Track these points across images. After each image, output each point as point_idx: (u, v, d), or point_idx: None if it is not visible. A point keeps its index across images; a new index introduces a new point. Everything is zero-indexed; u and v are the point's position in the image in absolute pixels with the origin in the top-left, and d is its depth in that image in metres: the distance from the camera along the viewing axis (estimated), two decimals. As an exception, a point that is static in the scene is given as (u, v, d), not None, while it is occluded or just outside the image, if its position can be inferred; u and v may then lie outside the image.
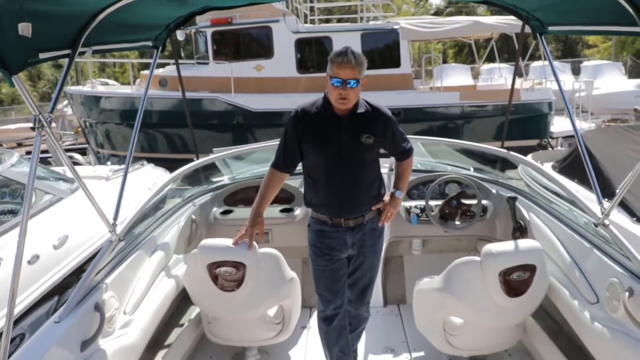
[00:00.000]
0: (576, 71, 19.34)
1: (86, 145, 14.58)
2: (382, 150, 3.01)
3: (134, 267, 3.10)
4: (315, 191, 2.97)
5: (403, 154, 3.07)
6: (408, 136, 3.13)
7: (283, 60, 12.47)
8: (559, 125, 12.87)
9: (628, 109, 14.83)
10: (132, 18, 2.69)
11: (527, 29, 3.33)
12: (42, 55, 2.15)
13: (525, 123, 11.79)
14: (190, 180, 4.89)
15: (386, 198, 3.06)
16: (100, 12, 2.31)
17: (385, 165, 4.21)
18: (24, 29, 1.87)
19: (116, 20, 2.47)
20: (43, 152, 10.21)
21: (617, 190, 2.65)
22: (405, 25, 12.56)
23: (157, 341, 3.41)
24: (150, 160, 8.19)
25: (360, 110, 2.85)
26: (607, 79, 16.87)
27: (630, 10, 2.13)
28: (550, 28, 3.09)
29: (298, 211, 4.36)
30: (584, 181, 4.53)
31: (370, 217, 3.00)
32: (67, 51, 2.34)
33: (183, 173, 4.02)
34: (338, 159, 2.84)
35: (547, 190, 4.51)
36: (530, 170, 5.59)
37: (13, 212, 4.55)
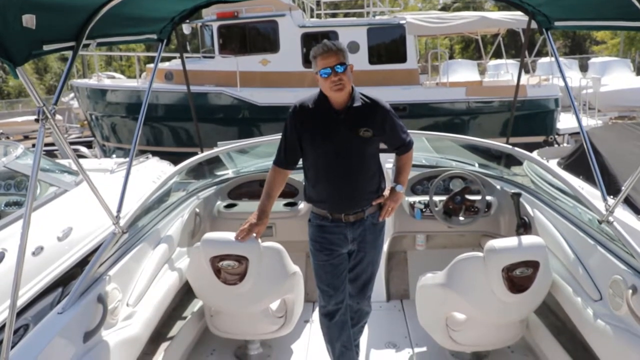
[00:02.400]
0: (584, 68, 19.25)
1: (92, 138, 14.64)
2: (383, 146, 3.00)
3: (138, 259, 3.11)
4: (315, 186, 2.97)
5: (403, 147, 3.05)
6: (413, 131, 3.11)
7: (289, 55, 12.46)
8: (566, 121, 12.81)
9: (636, 106, 14.74)
10: (137, 11, 2.69)
11: (534, 25, 3.31)
12: (46, 47, 2.15)
13: (531, 119, 11.73)
14: (194, 174, 4.90)
15: (386, 193, 3.05)
16: (104, 5, 2.31)
17: (390, 161, 4.21)
18: (28, 20, 1.87)
19: (120, 12, 2.47)
20: (49, 144, 10.26)
21: (622, 188, 2.64)
22: (412, 20, 12.51)
23: (159, 334, 3.43)
24: (155, 153, 8.21)
25: (357, 103, 2.84)
26: (615, 76, 16.77)
27: (637, 4, 2.11)
28: (557, 23, 3.07)
29: (302, 205, 4.37)
30: (589, 178, 4.51)
31: (371, 212, 2.99)
32: (72, 43, 2.34)
33: (187, 166, 4.02)
34: (336, 154, 2.83)
35: (552, 187, 4.49)
36: (535, 167, 5.57)
37: (18, 204, 4.58)
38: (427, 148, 5.57)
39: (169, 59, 13.72)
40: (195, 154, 4.13)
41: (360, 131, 2.82)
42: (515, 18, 12.17)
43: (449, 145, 5.93)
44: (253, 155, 5.56)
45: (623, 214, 4.09)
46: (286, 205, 4.40)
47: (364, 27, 12.50)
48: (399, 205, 3.16)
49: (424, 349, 3.63)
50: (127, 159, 3.19)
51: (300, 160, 3.02)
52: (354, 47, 12.18)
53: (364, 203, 2.96)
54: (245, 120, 12.35)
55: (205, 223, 4.29)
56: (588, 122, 12.08)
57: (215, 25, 12.70)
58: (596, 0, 2.52)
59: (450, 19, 12.99)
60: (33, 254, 4.01)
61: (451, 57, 27.69)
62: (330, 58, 2.70)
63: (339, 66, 2.70)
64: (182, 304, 3.92)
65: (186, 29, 12.49)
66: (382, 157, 3.06)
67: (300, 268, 3.38)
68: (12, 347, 2.04)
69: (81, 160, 2.89)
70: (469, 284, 2.95)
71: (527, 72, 14.03)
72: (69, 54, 2.37)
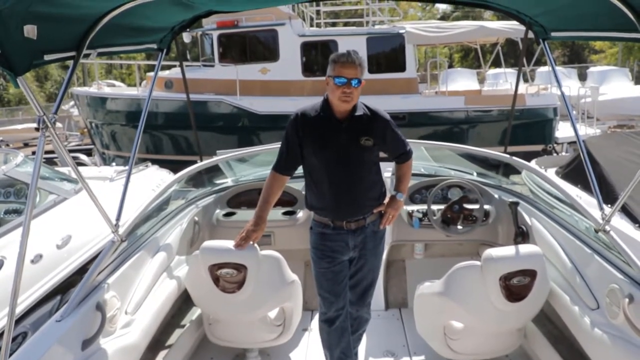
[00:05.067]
0: (582, 77, 19.34)
1: (92, 146, 14.65)
2: (383, 154, 3.03)
3: (136, 267, 3.12)
4: (316, 194, 2.99)
5: (403, 156, 3.09)
6: (412, 140, 3.15)
7: (288, 63, 12.49)
8: (564, 130, 12.84)
9: (634, 115, 14.80)
10: (137, 21, 2.71)
11: (531, 34, 3.34)
12: (47, 57, 2.17)
13: (530, 128, 11.76)
14: (193, 182, 4.91)
15: (387, 201, 3.08)
16: (105, 15, 2.33)
17: (388, 169, 4.22)
18: (30, 31, 1.89)
19: (121, 22, 2.49)
20: (49, 152, 10.27)
21: (619, 197, 2.65)
22: (411, 29, 12.57)
23: (158, 342, 3.43)
24: (155, 161, 8.22)
25: (359, 113, 2.88)
26: (614, 85, 16.85)
27: (632, 16, 2.14)
28: (553, 34, 3.10)
29: (301, 214, 4.37)
30: (587, 187, 4.52)
31: (372, 220, 3.02)
32: (72, 53, 2.36)
33: (186, 175, 4.04)
34: (338, 162, 2.86)
35: (550, 196, 4.51)
36: (534, 176, 5.60)
37: (18, 212, 4.58)
38: (425, 157, 5.59)
39: (169, 67, 13.76)
40: (195, 162, 4.14)
41: (362, 140, 2.86)
42: (514, 27, 12.23)
43: (447, 155, 5.94)
44: (252, 164, 5.57)
45: (620, 222, 4.10)
46: (285, 214, 4.41)
47: (364, 36, 12.54)
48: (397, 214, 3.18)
49: (422, 357, 3.63)
50: (127, 167, 3.20)
51: (301, 167, 3.04)
52: None
53: (365, 211, 2.99)
54: (244, 128, 12.36)
55: (204, 231, 4.30)
56: (587, 130, 12.11)
57: (215, 34, 12.74)
58: (592, 11, 2.54)
59: (450, 28, 13.06)
60: (32, 261, 4.01)
61: (450, 66, 27.78)
62: (350, 70, 2.74)
63: (355, 80, 2.74)
64: (180, 312, 3.92)
65: (186, 37, 12.53)
66: (381, 165, 3.08)
67: (298, 277, 3.38)
68: (10, 354, 2.05)
69: (81, 168, 2.91)
70: (466, 293, 2.96)
71: (526, 81, 14.07)
72: (70, 62, 2.39)
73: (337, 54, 2.79)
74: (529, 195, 4.54)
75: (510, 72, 16.18)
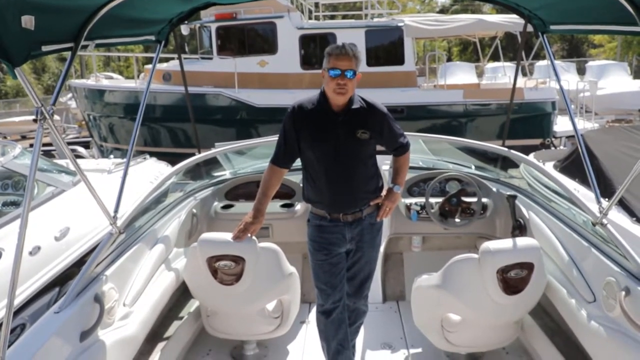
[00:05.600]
0: (581, 71, 19.30)
1: (90, 139, 14.62)
2: (381, 147, 3.03)
3: (134, 259, 3.12)
4: (313, 187, 3.00)
5: (400, 149, 3.10)
6: (410, 133, 3.15)
7: (287, 56, 12.47)
8: (563, 124, 12.84)
9: (633, 110, 14.79)
10: (135, 12, 2.70)
11: (530, 28, 3.34)
12: (45, 48, 2.17)
13: (528, 122, 11.77)
14: (191, 175, 4.91)
15: (384, 193, 3.09)
16: (103, 6, 2.32)
17: (386, 162, 4.23)
18: (27, 21, 1.88)
19: (119, 14, 2.49)
20: (46, 144, 10.25)
21: (617, 191, 2.66)
22: (410, 22, 12.53)
23: (156, 334, 3.44)
24: (153, 154, 8.20)
25: (356, 106, 2.89)
26: (612, 79, 16.81)
27: (631, 9, 2.14)
28: (552, 27, 3.10)
29: (299, 206, 4.38)
30: (585, 181, 4.52)
31: (369, 212, 3.03)
32: (70, 44, 2.36)
33: (185, 167, 4.04)
34: (335, 155, 2.87)
35: (548, 189, 4.52)
36: (532, 169, 5.60)
37: (15, 204, 4.58)
38: (423, 150, 5.59)
39: (167, 59, 13.71)
40: (193, 154, 4.14)
41: (358, 133, 2.86)
42: (513, 21, 12.20)
43: (445, 148, 5.95)
44: (250, 157, 5.57)
45: (617, 216, 4.11)
46: (283, 206, 4.42)
47: (362, 29, 12.51)
48: (395, 207, 3.19)
49: (419, 350, 3.65)
50: (125, 160, 3.20)
51: (299, 160, 3.04)
52: None
53: (362, 203, 3.00)
54: (242, 121, 12.35)
55: (202, 224, 4.30)
56: (585, 125, 12.11)
57: (213, 27, 12.70)
58: (591, 4, 2.54)
59: (449, 22, 13.02)
60: (30, 253, 4.02)
61: (449, 60, 27.72)
62: (344, 61, 2.74)
63: (349, 71, 2.74)
64: (178, 304, 3.93)
65: (184, 29, 12.48)
66: (379, 158, 3.09)
67: (296, 269, 3.39)
68: (9, 346, 2.05)
69: (79, 161, 2.91)
70: (464, 286, 2.97)
71: (524, 75, 14.06)
72: (67, 54, 2.38)
73: (331, 46, 2.79)
74: (526, 188, 4.55)
75: (509, 66, 16.15)
